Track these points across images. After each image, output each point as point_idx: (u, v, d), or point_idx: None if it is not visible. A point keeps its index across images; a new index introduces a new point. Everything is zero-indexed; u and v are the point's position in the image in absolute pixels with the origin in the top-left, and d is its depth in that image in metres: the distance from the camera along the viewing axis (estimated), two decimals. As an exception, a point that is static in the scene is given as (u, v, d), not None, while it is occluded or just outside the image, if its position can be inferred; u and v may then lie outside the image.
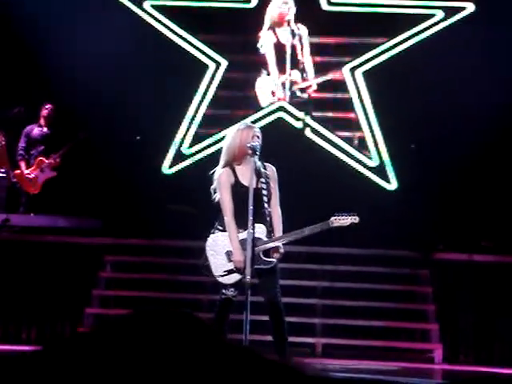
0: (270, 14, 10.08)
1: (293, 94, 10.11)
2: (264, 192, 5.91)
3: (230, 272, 5.94)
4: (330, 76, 10.05)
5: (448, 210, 9.38)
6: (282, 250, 5.92)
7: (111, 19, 9.50)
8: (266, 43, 10.07)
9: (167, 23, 10.18)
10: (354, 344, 8.41)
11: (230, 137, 6.03)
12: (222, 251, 5.96)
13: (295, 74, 10.09)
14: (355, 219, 5.85)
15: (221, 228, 6.02)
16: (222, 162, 6.04)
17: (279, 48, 10.09)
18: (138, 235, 9.29)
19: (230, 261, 5.95)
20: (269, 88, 10.12)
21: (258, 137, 5.89)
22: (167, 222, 9.28)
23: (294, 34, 10.03)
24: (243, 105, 10.25)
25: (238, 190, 5.94)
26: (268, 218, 5.94)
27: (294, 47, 10.05)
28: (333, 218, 5.83)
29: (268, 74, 10.12)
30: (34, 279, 8.70)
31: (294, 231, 5.93)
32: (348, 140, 10.06)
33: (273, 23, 10.08)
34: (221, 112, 10.28)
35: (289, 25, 10.02)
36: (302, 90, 10.11)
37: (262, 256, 5.84)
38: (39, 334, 8.59)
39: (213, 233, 6.00)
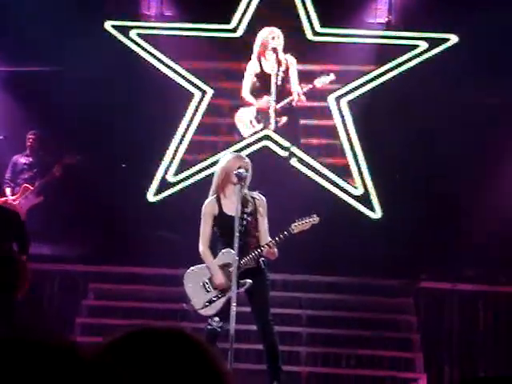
0: (257, 43, 10.14)
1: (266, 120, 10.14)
2: (249, 221, 5.97)
3: (210, 302, 6.02)
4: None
5: (432, 239, 9.41)
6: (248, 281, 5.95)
7: (97, 46, 9.52)
8: (247, 72, 10.12)
9: (153, 52, 10.22)
10: (338, 373, 8.40)
11: (220, 164, 6.14)
12: (199, 284, 6.06)
13: (266, 101, 10.08)
14: (315, 220, 5.96)
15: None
16: (210, 190, 6.14)
17: (264, 77, 10.14)
18: (122, 263, 9.27)
19: (208, 291, 6.02)
20: (247, 118, 10.14)
21: (245, 167, 5.94)
22: (151, 249, 9.24)
23: (279, 64, 10.07)
24: (229, 132, 10.28)
25: (222, 220, 6.03)
26: (253, 246, 6.01)
27: (278, 76, 10.08)
28: (293, 225, 5.93)
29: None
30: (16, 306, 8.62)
31: (253, 251, 5.97)
32: (332, 167, 10.09)
33: (259, 52, 10.14)
34: (206, 139, 10.31)
35: (275, 54, 10.06)
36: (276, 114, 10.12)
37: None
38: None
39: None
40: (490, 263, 9.01)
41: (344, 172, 10.04)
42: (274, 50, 10.04)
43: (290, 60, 10.09)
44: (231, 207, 5.97)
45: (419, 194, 9.62)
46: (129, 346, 1.38)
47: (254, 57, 10.13)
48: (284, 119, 10.10)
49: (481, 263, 9.05)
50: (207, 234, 6.11)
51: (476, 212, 9.15)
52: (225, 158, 6.20)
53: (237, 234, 5.68)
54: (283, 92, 10.09)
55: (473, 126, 9.38)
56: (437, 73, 9.69)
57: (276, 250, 5.96)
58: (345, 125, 10.07)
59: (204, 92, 10.24)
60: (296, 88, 10.04)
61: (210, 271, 6.04)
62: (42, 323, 8.79)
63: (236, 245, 5.68)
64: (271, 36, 10.06)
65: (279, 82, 10.07)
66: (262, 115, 10.12)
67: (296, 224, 5.94)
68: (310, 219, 5.97)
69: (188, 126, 10.17)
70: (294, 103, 10.06)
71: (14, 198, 9.65)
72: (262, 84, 10.11)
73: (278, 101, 10.07)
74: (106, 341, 1.42)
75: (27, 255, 7.28)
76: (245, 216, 5.94)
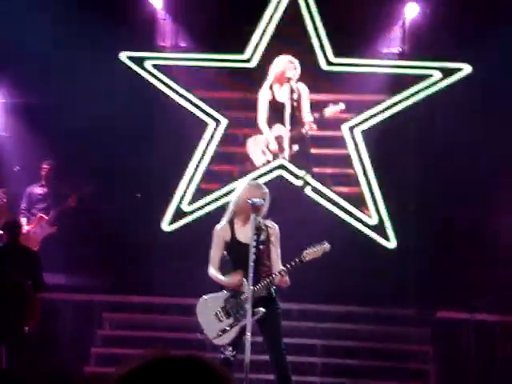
0: (273, 71, 10.19)
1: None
2: (261, 249, 5.96)
3: (224, 331, 5.99)
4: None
5: (449, 269, 9.35)
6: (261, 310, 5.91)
7: (112, 76, 9.60)
8: (260, 100, 10.16)
9: (168, 82, 10.29)
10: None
11: (237, 191, 6.16)
12: (211, 313, 6.04)
13: (279, 129, 10.11)
14: (326, 247, 5.93)
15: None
16: (225, 215, 6.15)
17: (277, 106, 10.17)
18: (137, 293, 9.26)
19: (221, 320, 6.00)
20: (260, 147, 10.16)
21: (262, 197, 5.95)
22: (165, 279, 9.24)
23: (292, 92, 10.11)
24: (243, 161, 10.29)
25: (234, 246, 6.02)
26: (265, 275, 5.99)
27: (291, 105, 10.12)
28: (305, 253, 5.90)
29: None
30: (32, 336, 8.62)
31: (265, 279, 5.94)
32: (347, 197, 10.07)
33: (273, 80, 10.18)
34: (221, 168, 10.34)
35: (288, 83, 10.11)
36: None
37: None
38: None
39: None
40: (508, 293, 8.93)
41: (358, 201, 10.02)
42: (289, 79, 10.09)
43: (302, 88, 10.12)
44: (244, 235, 5.99)
45: (434, 222, 9.58)
46: (150, 372, 1.38)
47: (266, 84, 10.17)
48: (295, 148, 10.12)
49: (499, 293, 8.97)
50: (217, 257, 6.11)
51: (496, 240, 9.10)
52: (242, 185, 6.23)
53: (251, 264, 5.67)
54: (295, 121, 10.12)
55: (486, 152, 9.36)
56: (451, 102, 9.69)
57: (288, 278, 5.94)
58: (359, 154, 10.07)
59: (218, 122, 10.28)
60: (308, 117, 10.08)
61: (224, 284, 6.05)
62: (57, 353, 8.78)
63: (251, 274, 5.66)
64: (290, 66, 10.10)
65: (292, 111, 10.10)
66: (274, 144, 10.14)
67: (308, 251, 5.93)
68: (321, 246, 5.95)
69: (202, 155, 10.20)
70: (305, 132, 10.09)
71: (29, 227, 9.68)
72: (275, 112, 10.14)
73: (291, 129, 10.10)
74: (128, 367, 1.42)
75: (39, 292, 7.42)
76: (258, 244, 5.93)
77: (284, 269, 5.91)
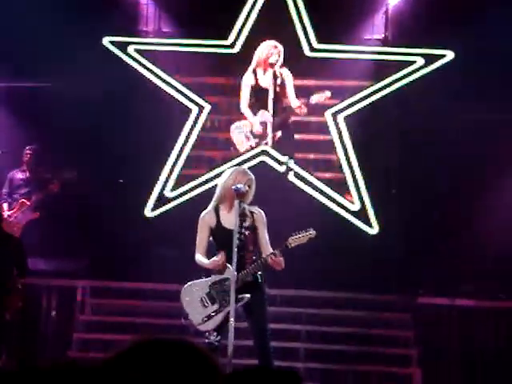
0: (257, 56, 10.14)
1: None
2: (247, 235, 5.98)
3: (209, 317, 6.02)
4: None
5: (430, 254, 9.41)
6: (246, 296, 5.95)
7: (96, 62, 9.55)
8: (243, 85, 10.13)
9: (151, 67, 10.24)
10: (337, 388, 8.38)
11: (223, 177, 6.18)
12: (196, 299, 6.06)
13: (262, 115, 10.08)
14: (312, 234, 5.97)
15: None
16: (211, 202, 6.19)
17: (260, 91, 10.13)
18: (120, 278, 9.25)
19: (206, 306, 6.02)
20: (243, 133, 10.13)
21: (247, 183, 5.98)
22: (149, 265, 9.23)
23: (276, 78, 10.07)
24: (226, 147, 10.28)
25: (219, 232, 6.05)
26: (250, 261, 6.02)
27: (275, 90, 10.09)
28: (290, 239, 5.94)
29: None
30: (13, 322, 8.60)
31: (253, 264, 6.00)
32: (329, 182, 10.09)
33: (257, 66, 10.14)
34: (204, 154, 10.33)
35: (272, 68, 10.06)
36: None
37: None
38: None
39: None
40: (488, 278, 9.01)
41: (341, 187, 10.04)
42: (273, 64, 10.04)
43: (286, 73, 10.09)
44: (229, 221, 6.01)
45: (416, 209, 9.62)
46: (140, 355, 1.39)
47: (249, 70, 10.13)
48: (279, 133, 10.11)
49: (479, 278, 9.05)
50: (203, 243, 6.14)
51: (475, 227, 9.16)
52: (228, 171, 6.25)
53: (235, 249, 5.69)
54: (279, 106, 10.09)
55: (473, 140, 9.40)
56: (436, 86, 9.72)
57: (282, 260, 5.95)
58: (342, 140, 10.08)
59: (201, 107, 10.25)
60: (294, 102, 10.05)
61: (207, 266, 6.07)
62: (39, 339, 8.76)
63: (234, 259, 5.69)
64: (275, 51, 10.04)
65: (275, 96, 10.07)
66: (257, 129, 10.12)
67: (293, 238, 5.96)
68: (307, 233, 5.98)
69: (185, 140, 10.17)
70: (288, 117, 10.07)
71: (10, 213, 9.63)
72: (258, 98, 10.11)
73: (274, 115, 10.08)
74: (116, 351, 1.43)
75: (23, 279, 7.43)
76: (243, 230, 5.96)
77: (275, 252, 5.94)
